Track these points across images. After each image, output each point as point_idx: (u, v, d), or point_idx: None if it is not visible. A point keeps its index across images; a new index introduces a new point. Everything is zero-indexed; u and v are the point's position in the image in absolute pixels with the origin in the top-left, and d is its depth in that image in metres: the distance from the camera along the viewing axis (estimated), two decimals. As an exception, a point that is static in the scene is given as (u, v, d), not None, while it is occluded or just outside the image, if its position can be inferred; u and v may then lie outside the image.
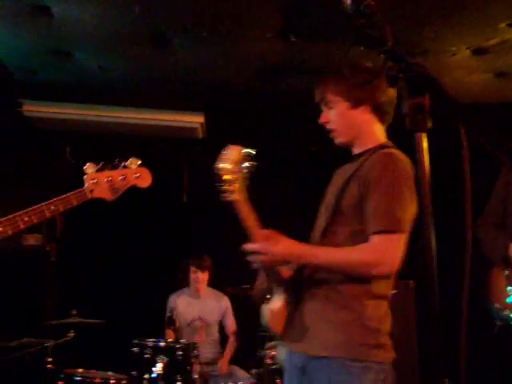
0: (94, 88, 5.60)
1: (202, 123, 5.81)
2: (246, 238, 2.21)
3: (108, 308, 5.11)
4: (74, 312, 4.65)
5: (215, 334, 5.40)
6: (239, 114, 5.92)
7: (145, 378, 4.23)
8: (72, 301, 5.00)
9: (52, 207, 2.34)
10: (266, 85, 5.39)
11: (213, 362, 5.15)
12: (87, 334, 4.63)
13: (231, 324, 5.46)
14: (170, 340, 4.54)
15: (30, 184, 5.73)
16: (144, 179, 2.51)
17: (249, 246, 2.19)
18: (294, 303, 2.29)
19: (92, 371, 4.51)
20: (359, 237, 2.17)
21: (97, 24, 4.40)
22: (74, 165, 6.29)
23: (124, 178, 2.48)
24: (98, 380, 4.35)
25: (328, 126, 2.38)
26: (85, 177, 2.45)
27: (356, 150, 2.39)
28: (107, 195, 2.45)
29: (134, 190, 2.52)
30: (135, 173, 2.50)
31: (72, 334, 4.52)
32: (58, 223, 5.95)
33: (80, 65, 5.10)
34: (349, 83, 2.30)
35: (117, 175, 2.48)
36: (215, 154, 2.29)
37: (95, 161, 2.52)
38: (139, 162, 2.53)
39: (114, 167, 2.50)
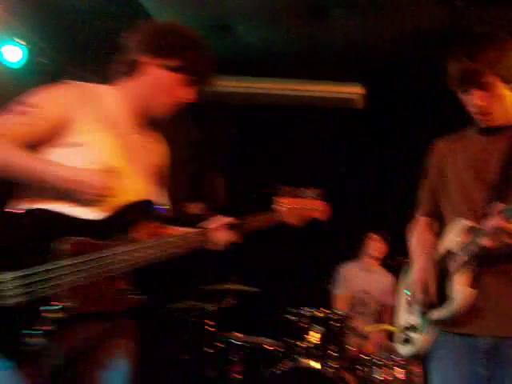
0: (254, 61, 5.70)
1: (361, 94, 5.77)
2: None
3: (267, 275, 5.23)
4: (234, 278, 4.80)
5: (376, 310, 5.33)
6: (399, 84, 5.75)
7: (299, 346, 4.29)
8: (231, 267, 5.17)
9: (248, 225, 2.54)
10: (428, 54, 5.19)
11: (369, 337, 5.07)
12: (245, 300, 4.78)
13: (389, 300, 5.24)
14: (326, 311, 4.55)
15: (197, 157, 6.02)
16: (323, 212, 2.59)
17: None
18: (483, 284, 2.14)
19: (249, 337, 4.65)
20: None
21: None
22: (239, 137, 6.48)
23: (310, 209, 2.59)
24: (254, 345, 4.49)
25: (484, 110, 2.21)
26: (277, 199, 2.56)
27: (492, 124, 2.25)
28: (294, 221, 2.57)
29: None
30: (318, 205, 2.60)
31: (232, 300, 4.70)
32: (220, 193, 6.17)
33: (240, 38, 5.22)
34: (508, 61, 2.15)
35: (304, 204, 2.59)
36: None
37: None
38: (321, 194, 2.62)
39: (304, 196, 2.60)
